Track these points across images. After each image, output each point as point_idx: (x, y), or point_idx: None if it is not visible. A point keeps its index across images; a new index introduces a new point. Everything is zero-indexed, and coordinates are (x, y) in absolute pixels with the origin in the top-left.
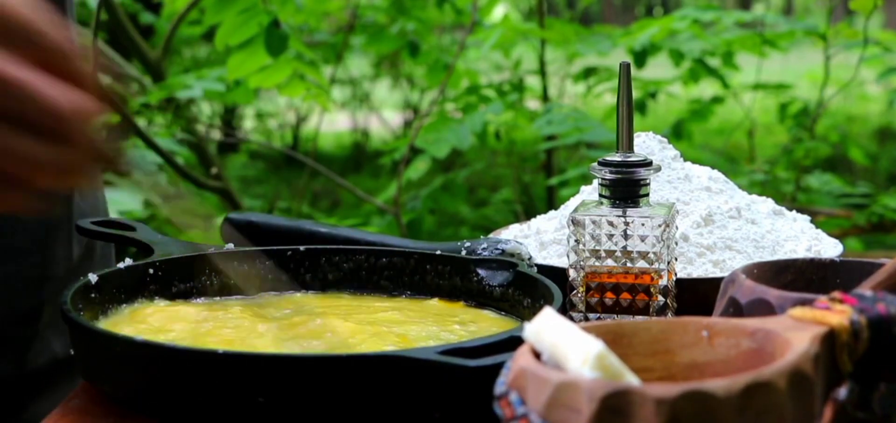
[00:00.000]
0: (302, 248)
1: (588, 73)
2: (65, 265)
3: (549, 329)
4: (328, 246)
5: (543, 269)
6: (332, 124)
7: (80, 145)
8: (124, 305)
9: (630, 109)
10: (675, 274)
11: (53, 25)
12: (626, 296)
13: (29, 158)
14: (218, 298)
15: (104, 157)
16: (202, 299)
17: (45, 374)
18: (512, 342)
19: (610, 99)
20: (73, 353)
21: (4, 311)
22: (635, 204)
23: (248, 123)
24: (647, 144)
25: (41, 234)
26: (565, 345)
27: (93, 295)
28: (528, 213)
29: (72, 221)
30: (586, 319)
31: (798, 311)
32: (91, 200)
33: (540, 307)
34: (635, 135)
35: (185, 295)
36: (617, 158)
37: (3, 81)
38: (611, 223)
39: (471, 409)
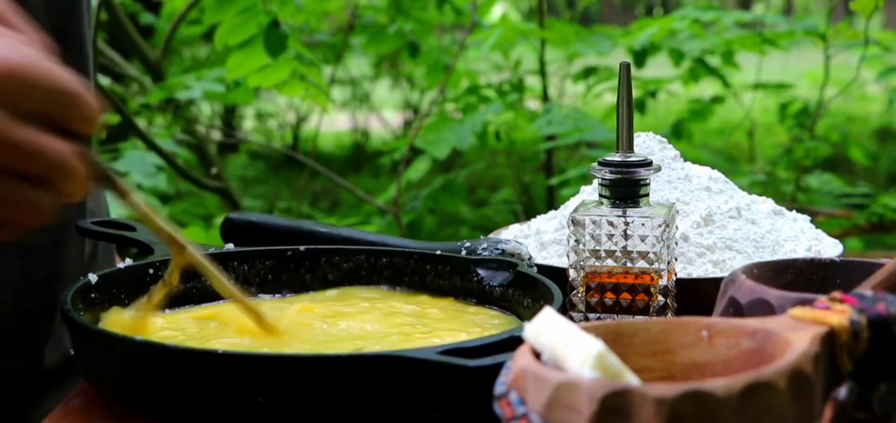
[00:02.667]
0: (302, 248)
1: (588, 72)
2: (77, 264)
3: (549, 329)
4: (328, 246)
5: (543, 269)
6: (332, 124)
7: (71, 185)
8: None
9: (630, 109)
10: (675, 274)
11: (48, 67)
12: (626, 296)
13: (20, 204)
14: (220, 301)
15: (100, 180)
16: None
17: (58, 371)
18: (512, 342)
19: (610, 99)
20: (72, 353)
21: (20, 309)
22: (635, 204)
23: (248, 123)
24: (647, 144)
25: (59, 234)
26: (565, 345)
27: (93, 295)
28: (528, 213)
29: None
30: (586, 319)
31: (798, 311)
32: (95, 200)
33: (540, 307)
34: (635, 135)
35: (186, 296)
36: (617, 158)
37: (2, 142)
38: (611, 223)
39: (471, 409)
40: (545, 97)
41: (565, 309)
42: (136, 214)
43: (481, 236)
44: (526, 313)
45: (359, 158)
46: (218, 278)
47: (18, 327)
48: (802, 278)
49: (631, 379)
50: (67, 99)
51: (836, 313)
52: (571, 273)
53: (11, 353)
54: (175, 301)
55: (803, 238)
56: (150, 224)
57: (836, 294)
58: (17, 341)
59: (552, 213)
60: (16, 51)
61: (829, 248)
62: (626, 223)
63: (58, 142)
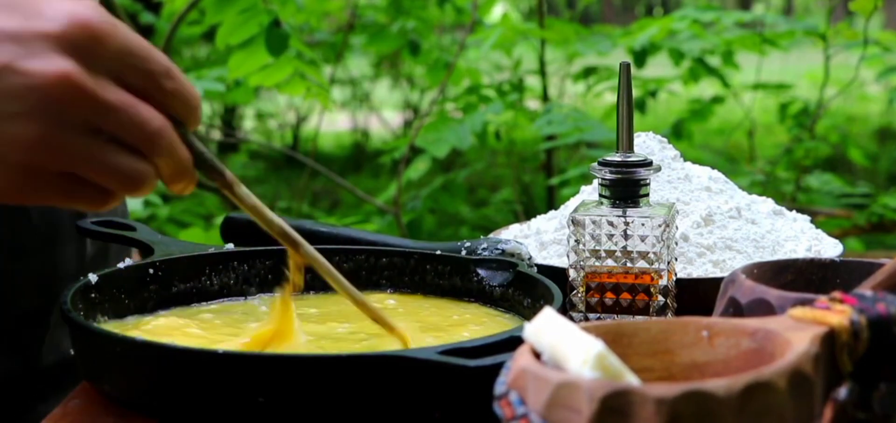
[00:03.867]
0: None
1: (588, 72)
2: (75, 264)
3: (549, 329)
4: (328, 246)
5: (543, 269)
6: (332, 124)
7: (168, 160)
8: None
9: (630, 109)
10: (675, 274)
11: (126, 31)
12: (626, 296)
13: (112, 169)
14: (220, 300)
15: (202, 167)
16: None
17: (54, 373)
18: (512, 342)
19: (610, 98)
20: (72, 353)
21: (14, 310)
22: (635, 204)
23: (249, 123)
24: (647, 144)
25: (49, 233)
26: (565, 345)
27: (93, 295)
28: (528, 213)
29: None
30: (586, 319)
31: (798, 311)
32: None
33: (540, 307)
34: (635, 135)
35: (186, 295)
36: (617, 158)
37: (94, 100)
38: (611, 223)
39: (471, 409)
40: (545, 97)
41: (565, 309)
42: (245, 208)
43: (481, 236)
44: (526, 313)
45: (359, 158)
46: (334, 276)
47: (10, 328)
48: (802, 278)
49: (631, 379)
50: (153, 67)
51: (836, 313)
52: (571, 273)
53: (3, 354)
54: (175, 301)
55: (803, 238)
56: (260, 220)
57: (836, 294)
58: (10, 343)
59: (552, 213)
60: (90, 8)
61: (829, 248)
62: (626, 223)
63: (153, 111)
